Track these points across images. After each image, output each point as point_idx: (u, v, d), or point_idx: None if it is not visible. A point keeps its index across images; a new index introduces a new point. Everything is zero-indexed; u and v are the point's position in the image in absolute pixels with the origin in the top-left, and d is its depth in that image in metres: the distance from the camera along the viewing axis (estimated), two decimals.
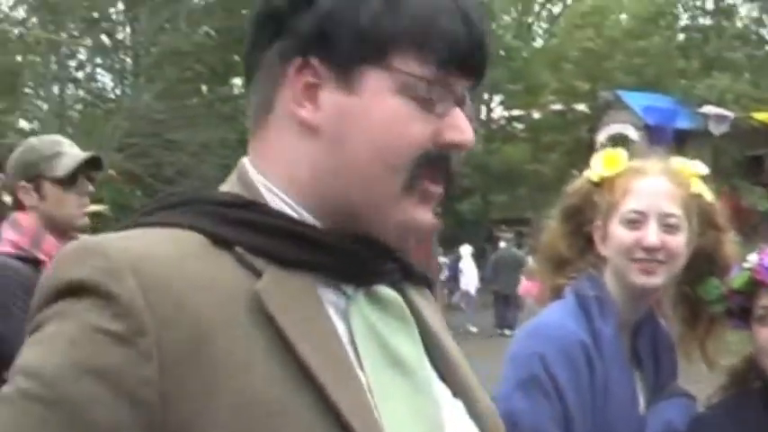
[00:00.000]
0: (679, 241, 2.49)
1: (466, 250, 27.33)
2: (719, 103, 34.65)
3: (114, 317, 1.15)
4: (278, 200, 1.33)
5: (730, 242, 2.65)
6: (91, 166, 3.78)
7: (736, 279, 2.57)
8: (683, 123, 33.94)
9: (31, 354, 1.18)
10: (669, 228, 2.48)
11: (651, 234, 2.46)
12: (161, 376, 1.14)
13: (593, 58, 41.78)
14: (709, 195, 2.61)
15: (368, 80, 1.29)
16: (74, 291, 1.18)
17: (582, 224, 2.62)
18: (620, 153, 2.63)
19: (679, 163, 2.64)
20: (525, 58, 45.31)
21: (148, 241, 1.23)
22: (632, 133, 38.93)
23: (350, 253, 1.31)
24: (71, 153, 3.75)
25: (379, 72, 1.29)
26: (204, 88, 36.74)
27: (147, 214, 1.34)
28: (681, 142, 36.04)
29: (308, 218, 1.32)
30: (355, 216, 1.32)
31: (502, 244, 28.38)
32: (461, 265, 26.85)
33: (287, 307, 1.22)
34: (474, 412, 1.42)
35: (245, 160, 1.39)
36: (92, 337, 1.15)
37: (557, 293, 2.62)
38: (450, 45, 1.29)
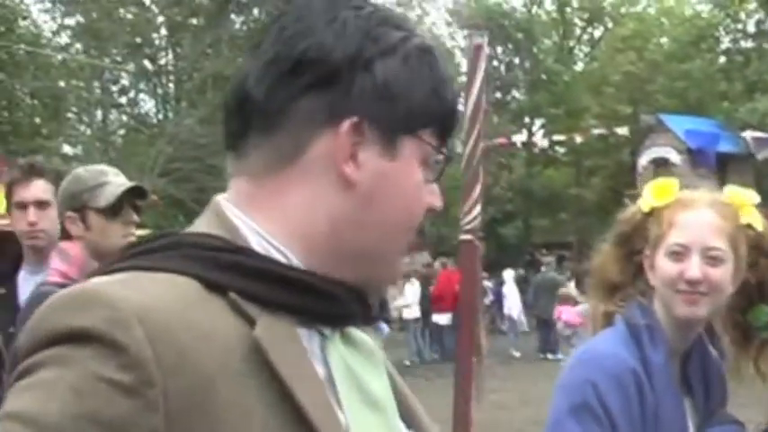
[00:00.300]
0: (722, 273, 2.50)
1: (509, 274, 27.28)
2: (761, 125, 34.42)
3: (121, 367, 1.14)
4: (264, 242, 1.35)
5: None
6: (135, 194, 3.80)
7: None
8: (725, 147, 33.79)
9: (27, 399, 1.14)
10: (712, 260, 2.50)
11: (693, 267, 2.48)
12: (167, 426, 1.14)
13: (634, 82, 41.84)
14: (760, 225, 2.61)
15: (405, 149, 1.37)
16: (75, 338, 1.16)
17: (633, 252, 2.65)
18: (672, 183, 2.66)
19: (731, 193, 2.64)
20: (566, 81, 45.43)
21: (148, 289, 1.22)
22: (674, 157, 38.81)
23: (334, 296, 1.35)
24: (115, 182, 3.76)
25: (414, 142, 1.38)
26: None
27: (136, 257, 1.33)
28: (723, 166, 35.96)
29: (295, 261, 1.35)
30: (360, 266, 1.39)
31: (543, 268, 28.26)
32: (504, 289, 26.79)
33: (283, 355, 1.25)
34: None
35: (219, 200, 1.40)
36: (97, 386, 1.13)
37: (608, 320, 2.64)
38: (454, 124, 1.45)
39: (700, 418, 2.60)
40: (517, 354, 23.40)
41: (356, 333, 1.41)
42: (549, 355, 22.12)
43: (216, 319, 1.23)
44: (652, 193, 2.64)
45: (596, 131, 36.77)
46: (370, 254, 1.39)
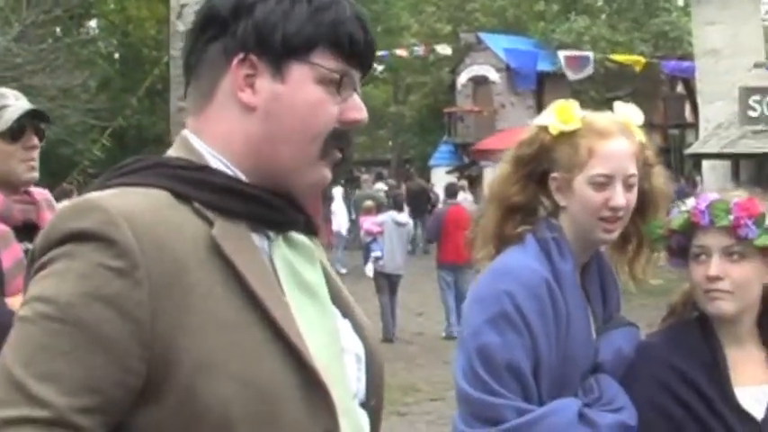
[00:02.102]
0: (635, 196, 2.69)
1: (337, 191, 27.38)
2: (577, 45, 35.33)
3: (114, 256, 1.50)
4: (219, 163, 1.70)
5: (659, 174, 2.83)
6: (37, 117, 3.61)
7: (675, 220, 2.76)
8: (542, 65, 34.55)
9: (45, 284, 1.52)
10: (629, 186, 2.66)
11: (619, 196, 2.63)
12: (150, 299, 1.50)
13: (454, 1, 42.07)
14: (643, 138, 2.78)
15: (294, 72, 1.69)
16: (79, 237, 1.53)
17: (534, 172, 2.75)
18: (572, 105, 2.75)
19: (624, 115, 2.78)
20: (385, 0, 45.32)
21: (132, 198, 1.59)
22: (493, 75, 39.49)
23: (275, 205, 1.70)
24: (15, 105, 3.55)
25: (303, 66, 1.69)
26: (59, 30, 35.65)
27: (123, 175, 1.69)
28: (540, 84, 36.89)
29: (242, 177, 1.70)
30: (280, 176, 1.71)
31: (362, 185, 28.42)
32: (333, 206, 26.88)
33: (235, 248, 1.60)
34: (357, 329, 1.84)
35: (186, 133, 1.75)
36: (98, 271, 1.50)
37: (505, 238, 2.75)
38: (352, 45, 1.71)
39: (598, 323, 2.76)
40: (343, 270, 23.25)
41: (297, 236, 1.75)
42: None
43: (184, 219, 1.60)
44: (557, 117, 2.72)
45: (416, 50, 36.96)
46: (283, 165, 1.71)
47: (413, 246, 25.08)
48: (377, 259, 15.68)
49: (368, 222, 18.05)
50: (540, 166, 2.74)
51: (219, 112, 1.72)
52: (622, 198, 2.63)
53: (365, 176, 30.65)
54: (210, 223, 1.61)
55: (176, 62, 7.58)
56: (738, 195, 2.72)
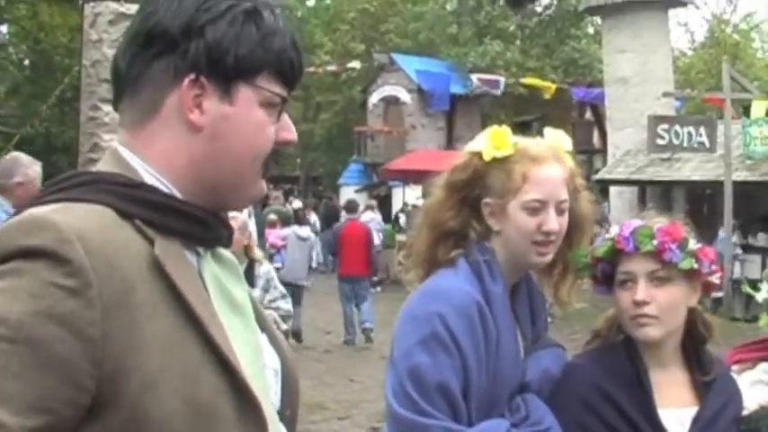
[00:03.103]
0: (566, 220, 2.72)
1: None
2: (491, 69, 35.69)
3: (67, 275, 1.48)
4: (153, 179, 1.69)
5: (585, 200, 2.86)
6: None
7: (600, 248, 2.80)
8: (454, 88, 34.80)
9: None
10: (561, 211, 2.70)
11: (552, 221, 2.66)
12: (101, 318, 1.49)
13: (368, 20, 42.23)
14: (572, 164, 2.82)
15: (241, 94, 1.71)
16: (28, 254, 1.49)
17: (468, 198, 2.77)
18: (504, 132, 2.76)
19: (555, 140, 2.83)
20: (299, 17, 45.33)
21: (79, 215, 1.56)
22: (404, 95, 39.63)
23: (208, 221, 1.72)
24: None
25: (249, 89, 1.71)
26: None
27: (62, 190, 1.66)
28: (452, 106, 37.13)
29: (176, 194, 1.70)
30: (219, 193, 1.74)
31: (271, 202, 28.40)
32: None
33: (175, 267, 1.61)
34: (273, 342, 1.91)
35: (118, 147, 1.74)
36: (50, 290, 1.47)
37: (435, 261, 2.77)
38: (291, 69, 1.76)
39: (527, 343, 2.77)
40: None
41: (223, 252, 1.80)
42: None
43: (127, 237, 1.59)
44: (490, 143, 2.74)
45: (329, 68, 37.00)
46: (225, 183, 1.73)
47: (325, 264, 25.23)
48: (278, 269, 15.80)
49: (272, 236, 18.19)
50: (473, 192, 2.76)
51: (162, 129, 1.72)
52: (555, 223, 2.66)
53: (275, 193, 30.52)
54: (151, 241, 1.62)
55: (88, 71, 7.45)
56: (660, 221, 2.77)
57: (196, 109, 1.69)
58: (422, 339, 2.56)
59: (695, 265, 2.71)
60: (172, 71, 1.69)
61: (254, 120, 1.72)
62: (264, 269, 7.98)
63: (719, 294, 19.01)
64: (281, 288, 8.08)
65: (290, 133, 1.81)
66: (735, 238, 20.21)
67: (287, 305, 8.00)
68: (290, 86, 1.78)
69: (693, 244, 2.73)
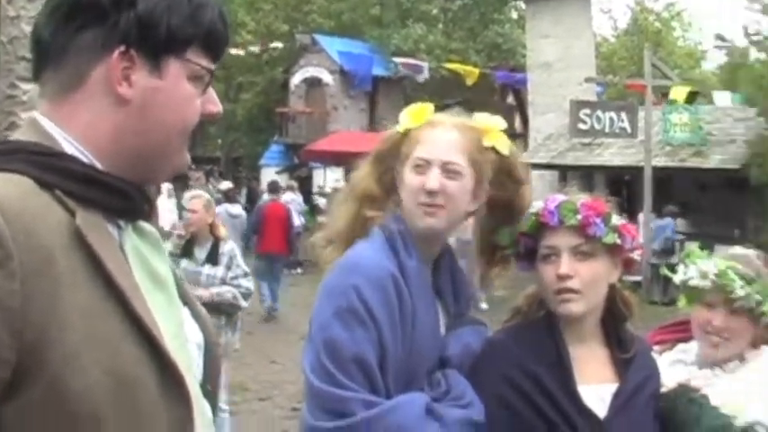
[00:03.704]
0: (458, 187, 2.67)
1: (165, 187, 26.89)
2: (414, 52, 35.71)
3: None
4: (74, 149, 1.67)
5: (528, 194, 2.84)
6: None
7: (524, 223, 2.79)
8: (377, 70, 34.73)
9: None
10: (451, 174, 2.65)
11: (432, 179, 2.64)
12: (22, 288, 1.46)
13: (291, 1, 41.96)
14: (506, 149, 2.78)
15: (170, 68, 1.70)
16: None
17: (389, 170, 2.79)
18: (427, 107, 2.80)
19: (477, 118, 2.81)
20: None
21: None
22: (326, 77, 39.55)
23: (129, 193, 1.70)
24: None
25: (178, 62, 1.71)
26: None
27: None
28: (374, 88, 37.10)
29: (97, 165, 1.68)
30: (143, 165, 1.72)
31: (191, 183, 28.19)
32: (158, 201, 26.42)
33: (97, 238, 1.59)
34: (196, 317, 1.90)
35: (37, 116, 1.71)
36: None
37: (363, 226, 2.77)
38: (219, 43, 1.78)
39: (449, 320, 2.78)
40: None
41: (144, 225, 1.77)
42: None
43: (47, 207, 1.56)
44: (408, 117, 2.78)
45: (251, 48, 36.72)
46: (150, 155, 1.72)
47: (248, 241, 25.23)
48: None
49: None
50: (389, 164, 2.78)
51: (87, 100, 1.69)
52: (436, 182, 2.63)
53: (196, 174, 30.26)
54: (72, 212, 1.59)
55: (6, 48, 7.20)
56: (582, 197, 2.78)
57: (124, 81, 1.67)
58: (337, 312, 2.54)
59: (618, 240, 2.72)
60: (100, 43, 1.66)
61: (182, 93, 1.72)
62: (228, 247, 7.97)
63: (638, 278, 19.25)
64: (244, 266, 8.05)
65: (216, 106, 1.81)
66: (652, 223, 20.41)
67: (248, 283, 7.98)
68: (215, 60, 1.78)
69: (617, 219, 2.75)
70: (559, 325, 2.74)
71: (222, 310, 7.63)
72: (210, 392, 1.88)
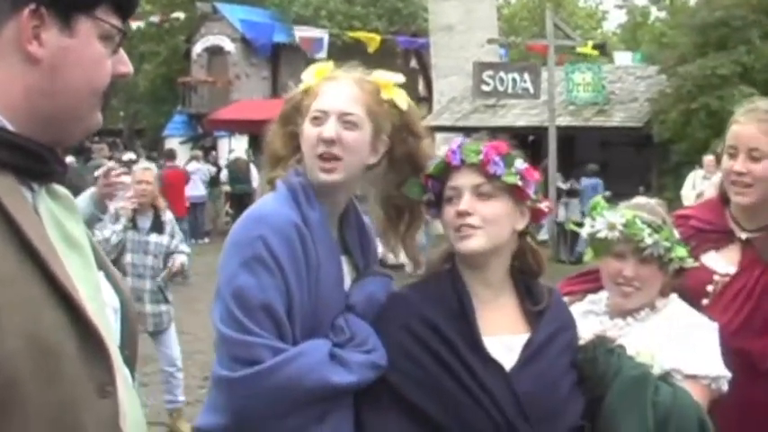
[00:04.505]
0: (356, 137, 2.69)
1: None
2: (315, 19, 35.50)
3: None
4: None
5: (428, 146, 2.87)
6: None
7: (432, 166, 2.81)
8: (278, 37, 34.51)
9: None
10: (348, 124, 2.68)
11: (328, 129, 2.66)
12: None
13: None
14: (405, 104, 2.81)
15: (81, 27, 1.69)
16: None
17: (294, 129, 2.81)
18: (328, 66, 2.85)
19: (375, 74, 2.83)
20: None
21: None
22: (228, 45, 39.23)
23: (42, 155, 1.69)
24: None
25: (89, 21, 1.70)
26: None
27: None
28: (276, 56, 36.90)
29: (9, 127, 1.65)
30: (55, 126, 1.71)
31: (93, 155, 27.80)
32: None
33: (11, 202, 1.58)
34: (111, 281, 1.90)
35: None
36: None
37: (272, 186, 2.81)
38: (128, 2, 1.78)
39: (357, 274, 2.83)
40: None
41: (58, 188, 1.76)
42: None
43: None
44: (312, 74, 2.82)
45: (152, 18, 36.21)
46: (62, 116, 1.70)
47: None
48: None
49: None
50: (293, 122, 2.80)
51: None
52: (332, 131, 2.66)
53: (98, 146, 29.82)
54: None
55: None
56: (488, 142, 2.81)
57: (35, 40, 1.66)
58: (244, 262, 2.58)
59: (519, 182, 2.73)
60: (9, 1, 1.65)
61: (93, 53, 1.71)
62: (169, 216, 8.37)
63: (544, 237, 19.42)
64: (180, 233, 8.56)
65: (127, 66, 1.81)
66: (560, 183, 20.57)
67: (187, 248, 8.59)
68: (124, 20, 1.78)
69: (520, 163, 2.75)
70: (464, 275, 2.76)
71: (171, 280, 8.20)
72: (128, 357, 1.87)
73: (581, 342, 2.84)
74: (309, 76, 2.81)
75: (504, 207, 2.73)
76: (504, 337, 2.71)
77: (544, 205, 2.85)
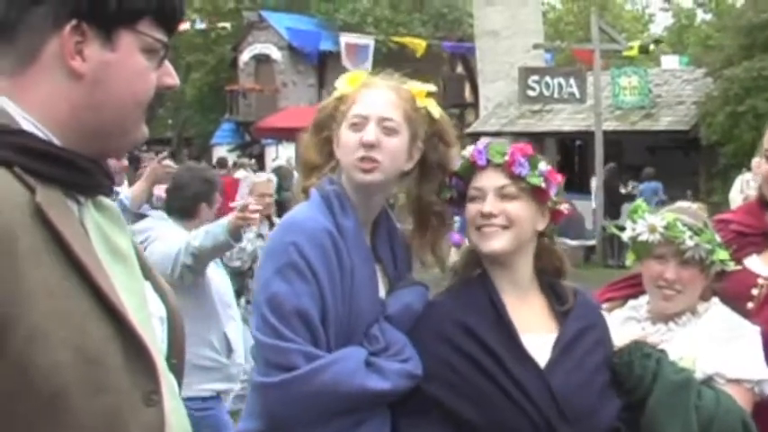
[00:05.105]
0: (395, 143, 2.72)
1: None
2: (360, 26, 35.56)
3: None
4: (32, 126, 1.66)
5: (457, 156, 2.89)
6: None
7: (457, 165, 2.86)
8: (325, 45, 34.64)
9: None
10: (387, 130, 2.71)
11: (369, 132, 2.68)
12: None
13: None
14: (437, 112, 2.85)
15: (123, 41, 1.70)
16: None
17: (329, 136, 2.83)
18: (362, 73, 2.91)
19: (410, 83, 2.87)
20: None
21: None
22: (275, 53, 39.38)
23: (88, 169, 1.71)
24: None
25: (131, 35, 1.71)
26: None
27: None
28: (322, 63, 37.01)
29: (55, 141, 1.68)
30: (100, 140, 1.73)
31: (144, 164, 28.04)
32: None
33: (58, 215, 1.60)
34: (158, 290, 1.91)
35: None
36: None
37: (307, 194, 2.83)
38: (173, 14, 1.78)
39: (390, 283, 2.85)
40: None
41: (104, 200, 1.79)
42: None
43: (7, 186, 1.56)
44: (345, 82, 2.86)
45: (199, 27, 36.47)
46: (107, 129, 1.73)
47: None
48: None
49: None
50: (328, 130, 2.83)
51: (42, 76, 1.68)
52: (372, 134, 2.68)
53: (147, 155, 30.07)
54: (32, 189, 1.59)
55: None
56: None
57: (77, 56, 1.67)
58: (278, 269, 2.61)
59: (543, 184, 2.77)
60: (51, 17, 1.66)
61: (135, 66, 1.72)
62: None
63: (593, 242, 19.35)
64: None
65: (172, 78, 1.82)
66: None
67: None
68: (170, 33, 1.78)
69: (544, 165, 2.80)
70: (494, 278, 2.80)
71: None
72: (175, 366, 1.90)
73: (618, 346, 2.86)
74: (343, 83, 2.85)
75: (527, 208, 2.76)
76: (534, 335, 2.74)
77: (564, 207, 2.88)
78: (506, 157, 2.74)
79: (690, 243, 3.00)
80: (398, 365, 2.64)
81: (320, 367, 2.54)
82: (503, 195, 2.74)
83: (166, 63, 1.80)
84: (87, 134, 1.71)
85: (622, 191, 20.71)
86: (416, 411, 2.67)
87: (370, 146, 2.68)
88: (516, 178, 2.74)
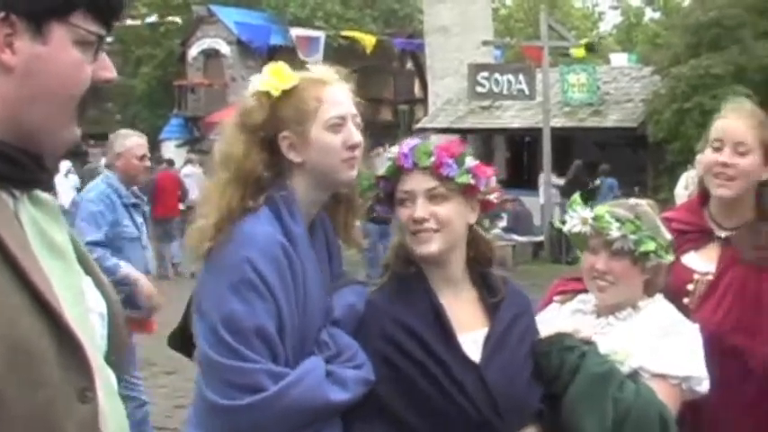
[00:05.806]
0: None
1: (64, 165, 26.44)
2: (310, 20, 35.51)
3: None
4: None
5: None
6: None
7: (384, 168, 2.84)
8: (275, 40, 34.52)
9: None
10: (358, 126, 2.75)
11: (355, 134, 2.71)
12: None
13: None
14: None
15: (54, 33, 1.65)
16: None
17: (264, 139, 2.72)
18: (283, 65, 2.75)
19: (334, 69, 2.84)
20: None
21: None
22: (224, 48, 39.24)
23: (21, 161, 1.66)
24: None
25: (63, 27, 1.65)
26: None
27: None
28: (272, 58, 36.87)
29: None
30: (32, 135, 1.67)
31: (90, 159, 27.75)
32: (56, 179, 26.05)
33: None
34: (99, 286, 1.87)
35: None
36: None
37: (245, 206, 2.67)
38: (108, 6, 1.72)
39: (327, 281, 2.80)
40: None
41: (41, 195, 1.73)
42: None
43: None
44: (276, 79, 2.70)
45: (148, 20, 36.26)
46: (38, 125, 1.67)
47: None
48: None
49: None
50: (269, 131, 2.71)
51: None
52: (359, 135, 2.72)
53: (94, 150, 29.81)
54: None
55: None
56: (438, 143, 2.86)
57: (7, 48, 1.63)
58: (233, 286, 2.55)
59: (472, 181, 2.76)
60: None
61: (68, 59, 1.67)
62: None
63: (541, 239, 19.45)
64: None
65: (109, 71, 1.77)
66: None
67: None
68: (107, 24, 1.73)
69: (471, 161, 2.79)
70: (428, 275, 2.80)
71: None
72: (115, 363, 1.86)
73: (541, 337, 2.88)
74: (275, 80, 2.68)
75: (457, 207, 2.76)
76: (469, 333, 2.75)
77: (493, 196, 2.88)
78: (433, 159, 2.73)
79: (616, 234, 3.02)
80: (354, 373, 2.63)
81: (288, 386, 2.51)
82: (432, 197, 2.73)
83: (104, 56, 1.75)
84: (19, 129, 1.67)
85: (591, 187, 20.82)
86: (365, 414, 2.65)
87: (357, 146, 2.71)
88: (444, 179, 2.73)
